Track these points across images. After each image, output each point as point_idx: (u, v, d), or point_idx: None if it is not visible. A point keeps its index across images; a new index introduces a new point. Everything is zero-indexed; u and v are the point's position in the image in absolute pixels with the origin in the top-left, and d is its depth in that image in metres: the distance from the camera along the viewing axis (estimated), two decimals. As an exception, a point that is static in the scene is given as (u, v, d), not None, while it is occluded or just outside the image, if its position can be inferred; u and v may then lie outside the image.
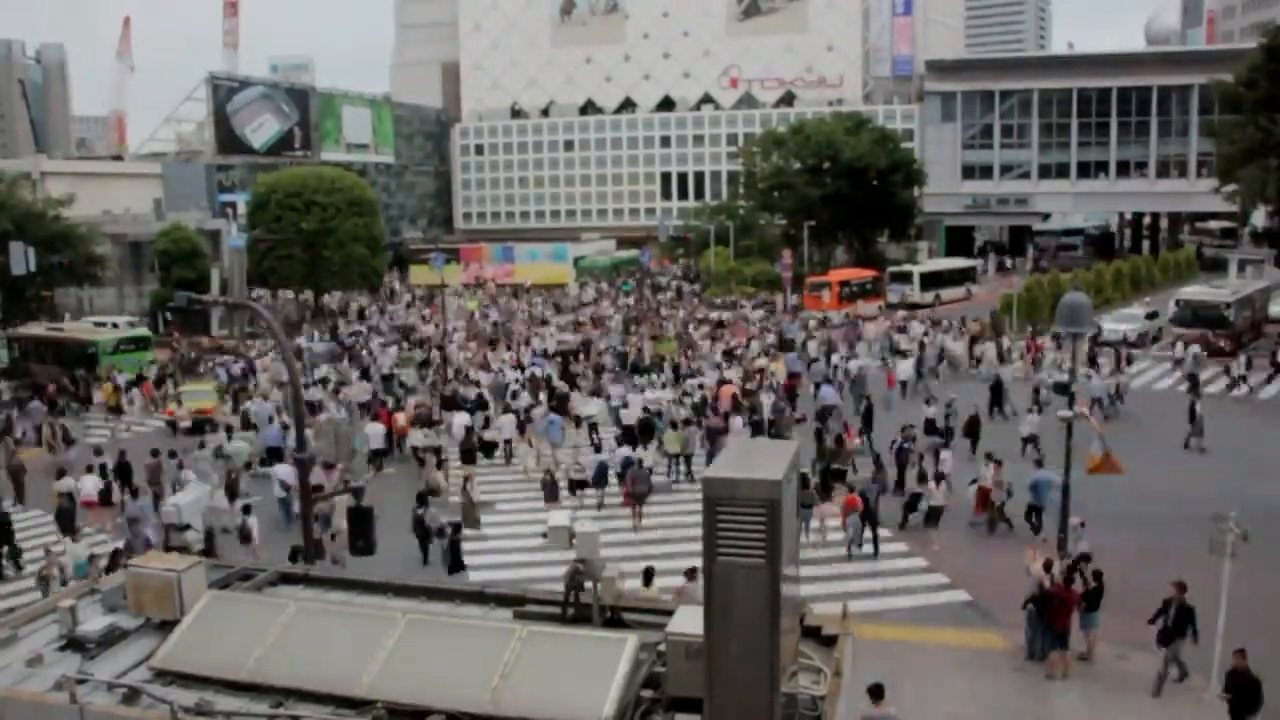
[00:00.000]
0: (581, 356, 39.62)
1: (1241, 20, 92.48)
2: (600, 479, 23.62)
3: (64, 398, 37.45)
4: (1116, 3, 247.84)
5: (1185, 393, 32.59)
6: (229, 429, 29.80)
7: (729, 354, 38.85)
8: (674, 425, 26.90)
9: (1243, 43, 66.41)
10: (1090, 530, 18.59)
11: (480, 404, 30.86)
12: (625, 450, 24.38)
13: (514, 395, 31.68)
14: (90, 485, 23.66)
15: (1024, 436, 26.45)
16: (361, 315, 60.32)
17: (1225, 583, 14.95)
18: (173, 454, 26.07)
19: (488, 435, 28.57)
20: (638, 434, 26.78)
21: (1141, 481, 21.67)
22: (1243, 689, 12.98)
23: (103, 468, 24.90)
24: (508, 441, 28.16)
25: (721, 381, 32.30)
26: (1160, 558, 19.85)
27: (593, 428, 28.95)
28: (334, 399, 32.78)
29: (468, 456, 26.66)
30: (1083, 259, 77.59)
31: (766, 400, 30.01)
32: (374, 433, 27.87)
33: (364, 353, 42.76)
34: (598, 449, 25.65)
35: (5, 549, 21.50)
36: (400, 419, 29.53)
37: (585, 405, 30.40)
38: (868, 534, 20.75)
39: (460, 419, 28.68)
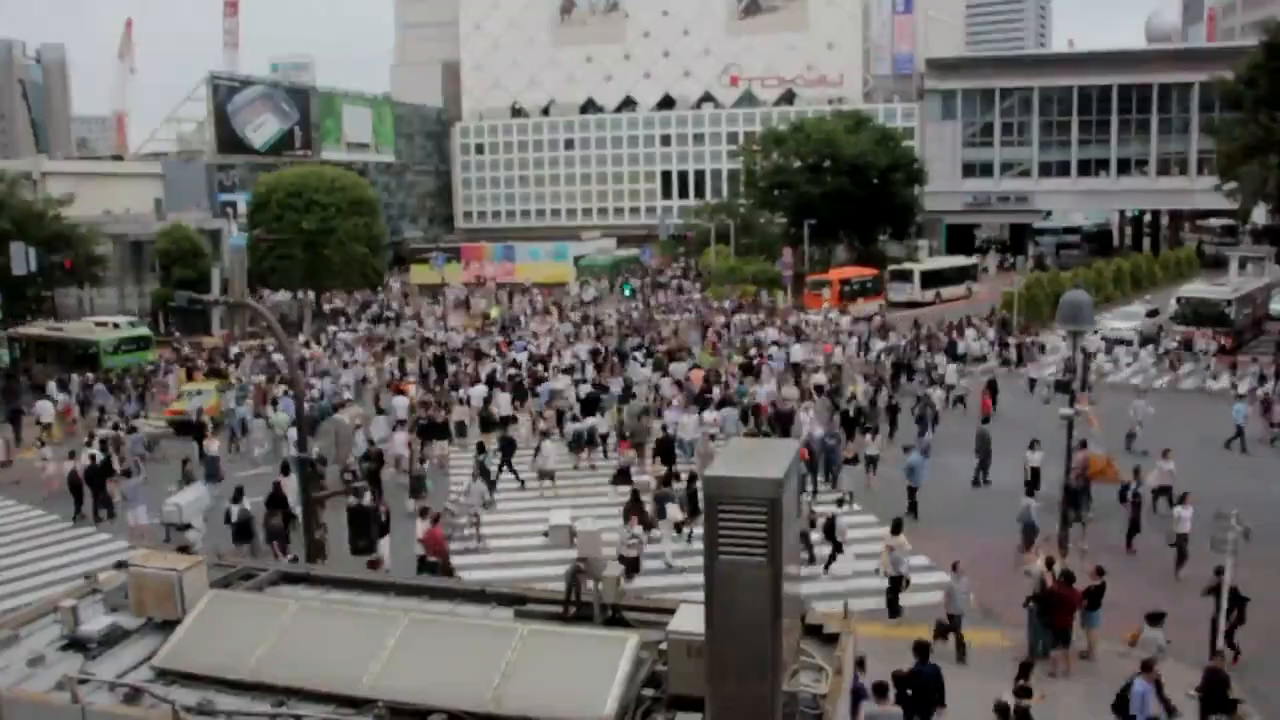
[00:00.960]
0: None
1: (1242, 17, 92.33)
2: (577, 443, 27.87)
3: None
4: (1116, 0, 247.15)
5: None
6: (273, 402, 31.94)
7: (750, 370, 35.98)
8: (623, 400, 30.72)
9: (1243, 40, 66.36)
10: (1090, 529, 18.61)
11: (492, 382, 34.55)
12: (591, 420, 28.76)
13: (512, 378, 35.39)
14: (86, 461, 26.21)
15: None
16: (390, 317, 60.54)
17: (1227, 581, 14.96)
18: (133, 429, 30.07)
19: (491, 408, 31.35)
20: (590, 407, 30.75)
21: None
22: (1215, 691, 13.01)
23: (103, 444, 27.69)
24: (511, 418, 30.88)
25: (694, 367, 35.37)
26: (1160, 556, 19.88)
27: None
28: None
29: (486, 425, 29.44)
30: (1081, 257, 77.64)
31: (806, 420, 27.61)
32: (399, 405, 31.01)
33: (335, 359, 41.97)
34: (575, 419, 29.21)
35: (100, 496, 24.99)
36: (412, 390, 33.59)
37: (555, 382, 33.92)
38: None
39: (478, 391, 32.61)
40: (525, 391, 33.39)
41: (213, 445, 27.58)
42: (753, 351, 39.46)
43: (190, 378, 39.67)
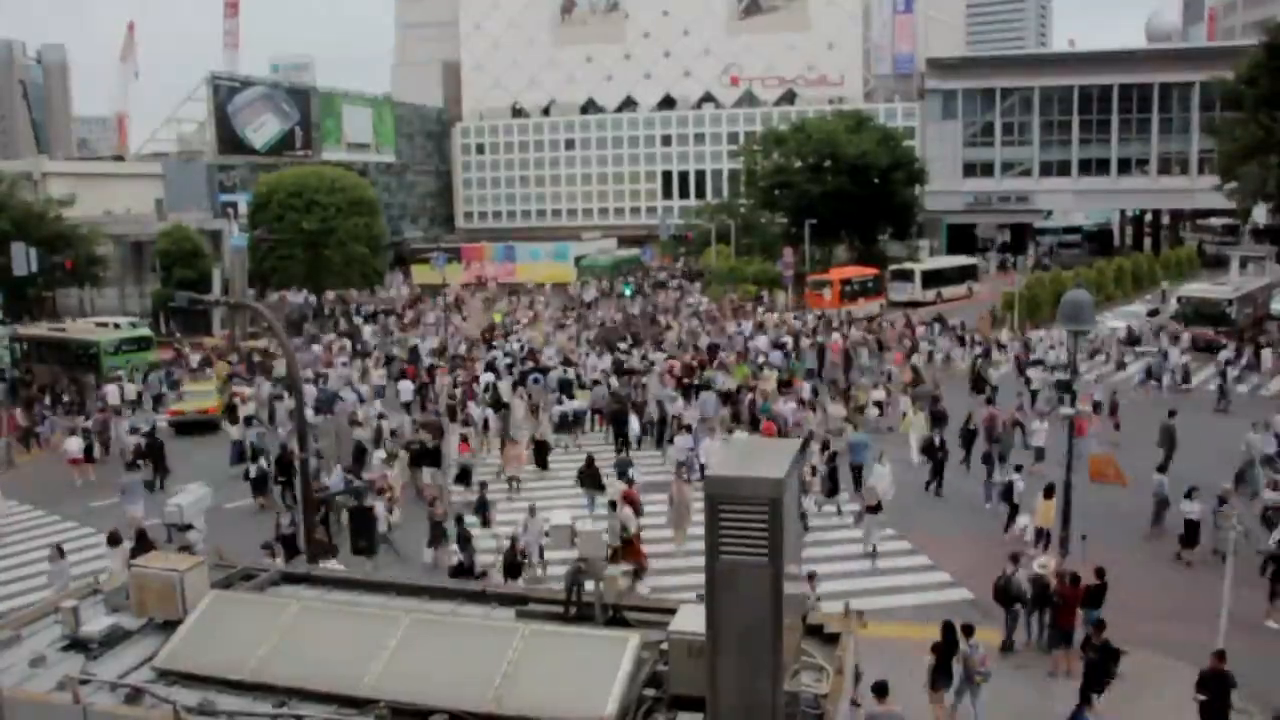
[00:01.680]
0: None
1: (1242, 17, 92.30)
2: (563, 424, 30.69)
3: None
4: (1117, 0, 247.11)
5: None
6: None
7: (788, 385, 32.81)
8: (583, 386, 33.67)
9: (1243, 39, 66.35)
10: (1091, 529, 18.59)
11: (492, 367, 37.70)
12: (574, 403, 31.77)
13: (509, 367, 38.35)
14: (74, 445, 28.59)
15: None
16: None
17: (1228, 580, 14.96)
18: (118, 411, 32.95)
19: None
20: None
21: (1142, 479, 21.63)
22: (1217, 692, 12.98)
23: (85, 431, 30.12)
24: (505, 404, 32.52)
25: (669, 357, 37.64)
26: (1162, 556, 19.89)
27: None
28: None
29: (496, 406, 31.40)
30: (1082, 256, 77.65)
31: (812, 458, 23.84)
32: (404, 389, 34.37)
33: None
34: (560, 402, 32.03)
35: (162, 469, 27.65)
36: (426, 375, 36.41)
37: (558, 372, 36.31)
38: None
39: (488, 378, 35.21)
40: (524, 378, 35.19)
41: (234, 430, 29.57)
42: (760, 360, 37.23)
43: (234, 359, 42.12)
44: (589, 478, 23.36)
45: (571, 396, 32.23)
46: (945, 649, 13.98)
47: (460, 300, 63.34)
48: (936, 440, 25.01)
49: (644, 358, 38.44)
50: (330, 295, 64.68)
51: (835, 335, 42.38)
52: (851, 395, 31.46)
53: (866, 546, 20.62)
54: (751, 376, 34.06)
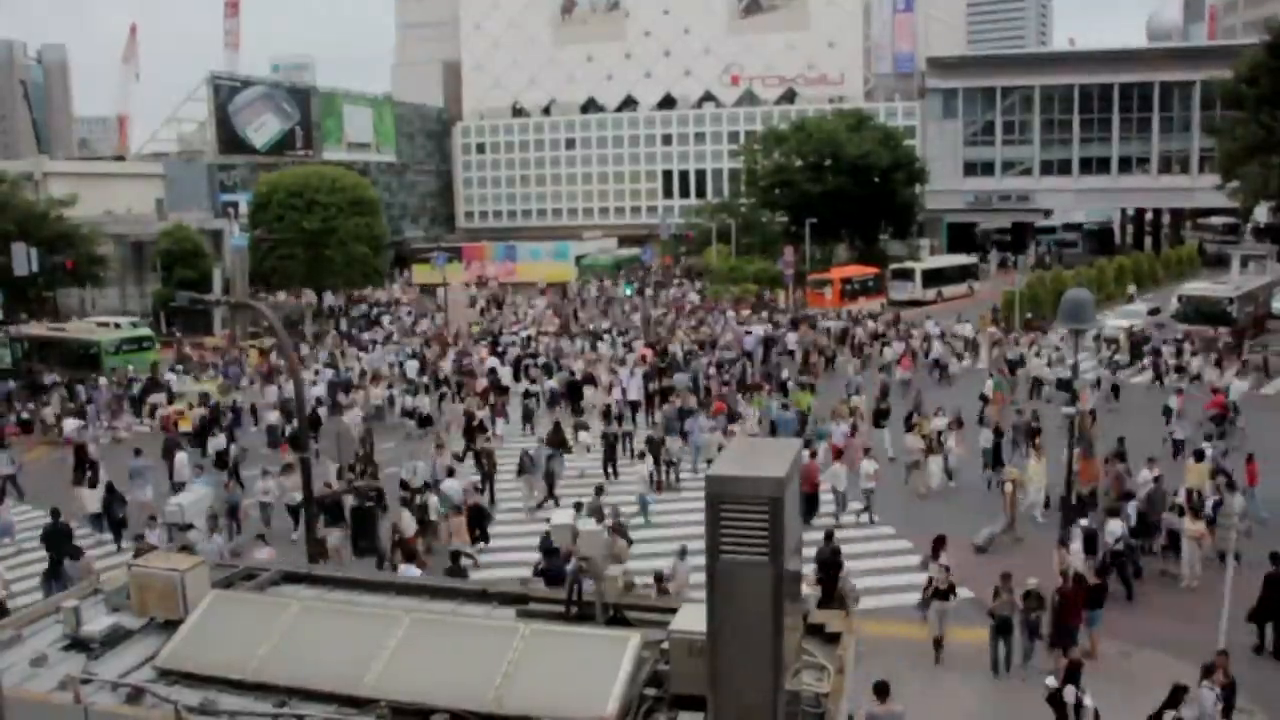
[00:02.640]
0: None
1: (1243, 15, 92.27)
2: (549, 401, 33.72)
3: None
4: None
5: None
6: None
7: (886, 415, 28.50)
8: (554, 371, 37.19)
9: (1244, 38, 66.31)
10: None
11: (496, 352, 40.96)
12: (550, 383, 34.81)
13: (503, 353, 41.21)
14: (71, 426, 30.77)
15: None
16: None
17: (1229, 579, 14.95)
18: (100, 394, 35.33)
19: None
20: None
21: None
22: (1223, 691, 12.99)
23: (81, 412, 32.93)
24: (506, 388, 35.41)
25: (649, 345, 39.52)
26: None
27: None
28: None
29: (495, 392, 33.98)
30: (1082, 255, 77.66)
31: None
32: (410, 367, 37.68)
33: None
34: (533, 382, 35.28)
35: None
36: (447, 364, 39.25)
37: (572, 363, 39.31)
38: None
39: (493, 362, 37.77)
40: (522, 364, 37.82)
41: (270, 415, 31.00)
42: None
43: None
44: (555, 440, 26.31)
45: (550, 378, 35.58)
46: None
47: (490, 300, 64.11)
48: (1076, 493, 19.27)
49: (626, 345, 40.97)
50: (346, 296, 65.38)
51: (910, 342, 39.19)
52: (915, 424, 26.04)
53: (934, 633, 16.31)
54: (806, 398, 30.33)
